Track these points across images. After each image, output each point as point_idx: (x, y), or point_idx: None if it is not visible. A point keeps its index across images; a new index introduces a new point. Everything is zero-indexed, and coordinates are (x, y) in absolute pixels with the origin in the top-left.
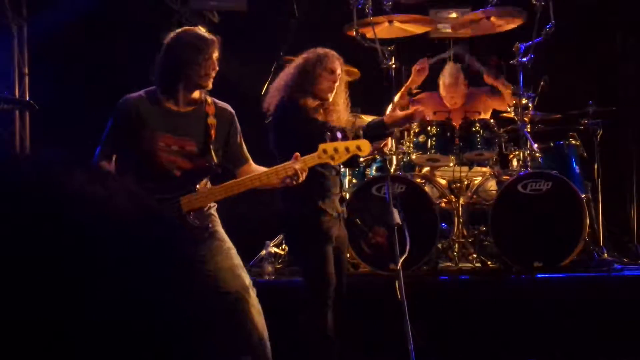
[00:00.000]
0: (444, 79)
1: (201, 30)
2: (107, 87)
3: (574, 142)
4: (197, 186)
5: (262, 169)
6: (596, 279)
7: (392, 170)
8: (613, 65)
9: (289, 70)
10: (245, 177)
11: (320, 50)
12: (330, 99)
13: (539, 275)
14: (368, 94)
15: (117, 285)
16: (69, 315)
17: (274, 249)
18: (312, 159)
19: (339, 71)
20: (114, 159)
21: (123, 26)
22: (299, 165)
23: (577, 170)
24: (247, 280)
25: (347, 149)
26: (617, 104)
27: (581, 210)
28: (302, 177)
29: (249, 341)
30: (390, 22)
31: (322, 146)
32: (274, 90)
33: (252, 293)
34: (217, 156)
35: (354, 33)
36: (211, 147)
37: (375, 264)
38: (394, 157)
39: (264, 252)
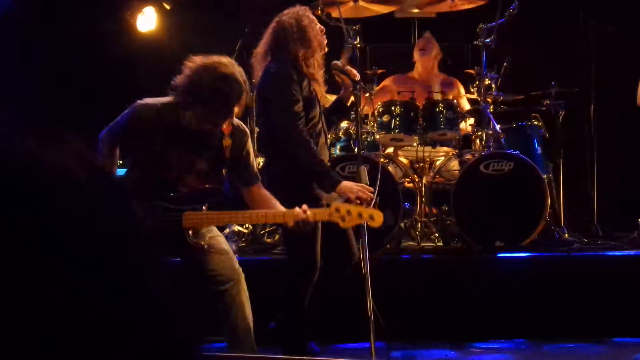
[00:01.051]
0: (420, 38)
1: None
2: (65, 67)
3: (536, 122)
4: (204, 207)
5: (268, 195)
6: (556, 259)
7: (355, 149)
8: (575, 47)
9: (274, 34)
10: (255, 211)
11: (296, 7)
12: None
13: (500, 255)
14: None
15: (67, 252)
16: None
17: (237, 227)
18: (322, 214)
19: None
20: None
21: (82, 4)
22: (311, 216)
23: (539, 151)
24: (237, 264)
25: (360, 215)
26: (579, 85)
27: (542, 191)
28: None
29: (236, 328)
30: (355, 1)
31: (335, 205)
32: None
33: (242, 278)
34: (240, 175)
35: (320, 12)
36: (223, 170)
37: None
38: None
39: (227, 230)
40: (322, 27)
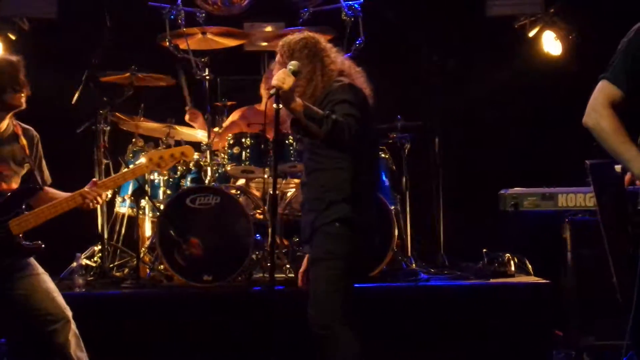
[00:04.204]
0: (267, 71)
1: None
2: None
3: (383, 155)
4: (24, 207)
5: (60, 192)
6: (404, 289)
7: (207, 181)
8: (420, 80)
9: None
10: (68, 196)
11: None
12: None
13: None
14: (182, 105)
15: None
16: None
17: (85, 261)
18: (141, 170)
19: None
20: None
21: None
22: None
23: (387, 183)
24: (64, 303)
25: (172, 156)
26: (423, 119)
27: (390, 222)
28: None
29: None
30: (204, 33)
31: (146, 156)
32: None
33: (71, 316)
34: (38, 175)
35: (167, 44)
36: (30, 166)
37: (189, 275)
38: (209, 169)
39: (74, 264)
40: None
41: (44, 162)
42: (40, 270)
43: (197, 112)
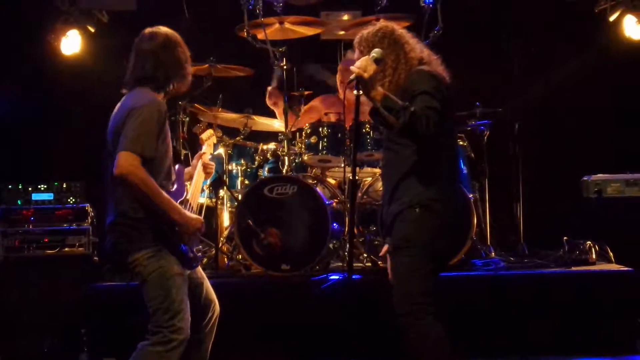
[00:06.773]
0: (343, 60)
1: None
2: None
3: (461, 142)
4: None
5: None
6: (483, 278)
7: (284, 171)
8: (499, 67)
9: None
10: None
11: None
12: None
13: None
14: (259, 95)
15: None
16: None
17: None
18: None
19: None
20: None
21: (9, 26)
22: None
23: (465, 171)
24: None
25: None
26: (503, 106)
27: (468, 210)
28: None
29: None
30: (281, 23)
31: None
32: None
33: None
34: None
35: (245, 34)
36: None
37: (267, 264)
38: (286, 158)
39: None
40: None
41: None
42: None
43: (278, 93)
